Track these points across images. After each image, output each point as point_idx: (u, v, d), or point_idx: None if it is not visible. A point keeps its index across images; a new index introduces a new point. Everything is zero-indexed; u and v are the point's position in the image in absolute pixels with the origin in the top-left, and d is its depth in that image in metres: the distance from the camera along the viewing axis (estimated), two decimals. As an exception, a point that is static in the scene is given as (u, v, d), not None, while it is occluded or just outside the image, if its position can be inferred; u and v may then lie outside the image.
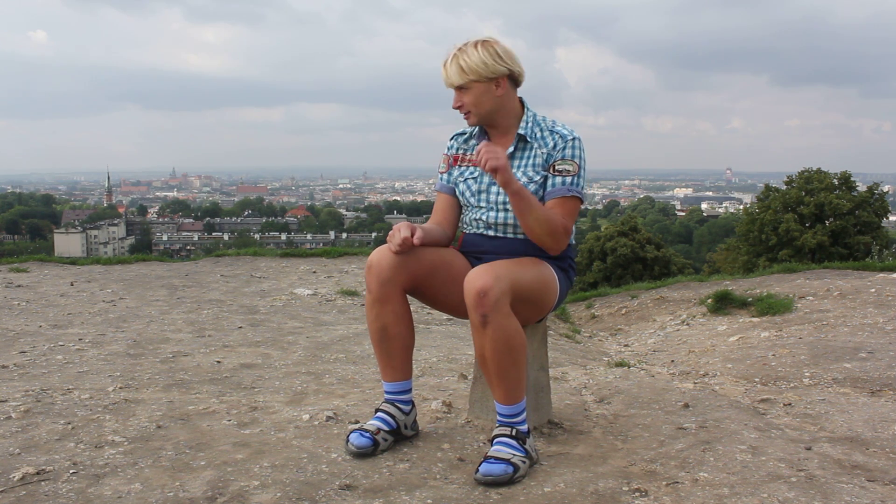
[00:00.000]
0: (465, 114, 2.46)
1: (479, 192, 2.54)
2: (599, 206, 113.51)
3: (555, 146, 2.47)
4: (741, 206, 50.72)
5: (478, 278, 2.18)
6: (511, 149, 2.50)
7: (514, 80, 2.46)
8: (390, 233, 2.36)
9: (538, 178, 2.46)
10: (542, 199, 2.43)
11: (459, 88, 2.42)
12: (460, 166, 2.61)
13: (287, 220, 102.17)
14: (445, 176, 2.65)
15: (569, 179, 2.43)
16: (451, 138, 2.67)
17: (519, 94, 2.52)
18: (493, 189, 2.51)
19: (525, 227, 2.35)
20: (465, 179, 2.58)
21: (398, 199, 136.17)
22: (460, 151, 2.63)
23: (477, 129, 2.59)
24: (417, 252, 2.39)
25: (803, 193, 24.06)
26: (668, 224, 79.13)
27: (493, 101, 2.44)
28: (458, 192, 2.61)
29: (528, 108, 2.53)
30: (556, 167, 2.44)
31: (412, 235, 2.32)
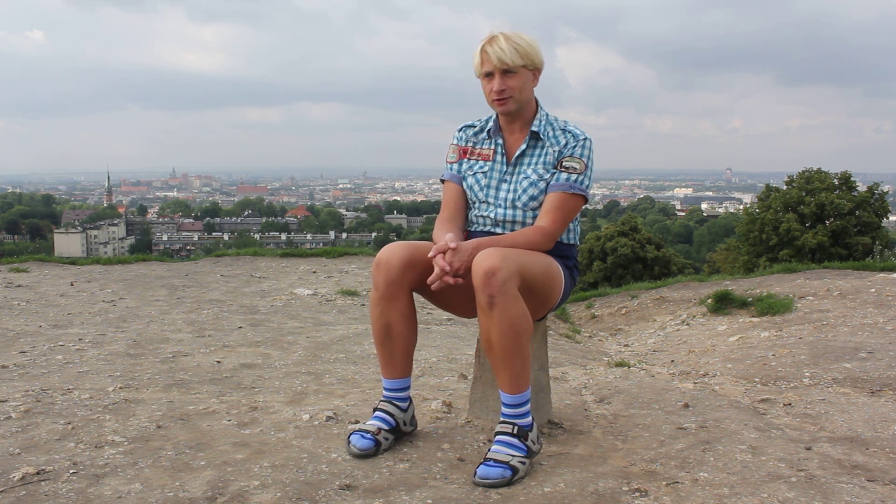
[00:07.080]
0: (505, 99, 2.42)
1: (489, 187, 2.54)
2: (599, 206, 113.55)
3: (566, 144, 2.49)
4: (741, 206, 50.72)
5: (486, 259, 2.17)
6: (524, 146, 2.52)
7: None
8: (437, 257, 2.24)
9: (548, 175, 2.48)
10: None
11: (507, 72, 2.39)
12: (469, 159, 2.60)
13: (287, 220, 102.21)
14: (456, 165, 2.63)
15: (573, 177, 2.45)
16: (460, 130, 2.65)
17: None
18: (504, 186, 2.52)
19: None
20: (475, 174, 2.58)
21: (398, 199, 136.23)
22: (469, 144, 2.62)
23: (489, 122, 2.59)
24: (425, 252, 2.39)
25: (804, 193, 24.05)
26: (668, 224, 79.16)
27: (530, 91, 2.47)
28: (465, 186, 2.61)
29: (541, 107, 2.55)
30: (564, 163, 2.47)
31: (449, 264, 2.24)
